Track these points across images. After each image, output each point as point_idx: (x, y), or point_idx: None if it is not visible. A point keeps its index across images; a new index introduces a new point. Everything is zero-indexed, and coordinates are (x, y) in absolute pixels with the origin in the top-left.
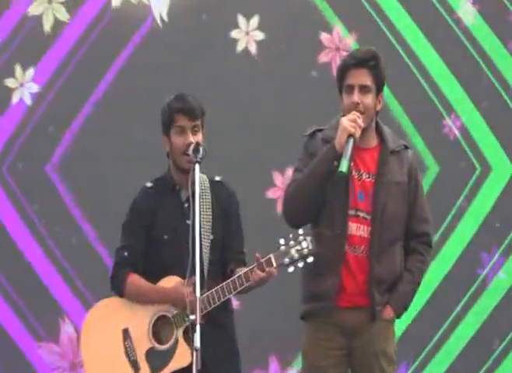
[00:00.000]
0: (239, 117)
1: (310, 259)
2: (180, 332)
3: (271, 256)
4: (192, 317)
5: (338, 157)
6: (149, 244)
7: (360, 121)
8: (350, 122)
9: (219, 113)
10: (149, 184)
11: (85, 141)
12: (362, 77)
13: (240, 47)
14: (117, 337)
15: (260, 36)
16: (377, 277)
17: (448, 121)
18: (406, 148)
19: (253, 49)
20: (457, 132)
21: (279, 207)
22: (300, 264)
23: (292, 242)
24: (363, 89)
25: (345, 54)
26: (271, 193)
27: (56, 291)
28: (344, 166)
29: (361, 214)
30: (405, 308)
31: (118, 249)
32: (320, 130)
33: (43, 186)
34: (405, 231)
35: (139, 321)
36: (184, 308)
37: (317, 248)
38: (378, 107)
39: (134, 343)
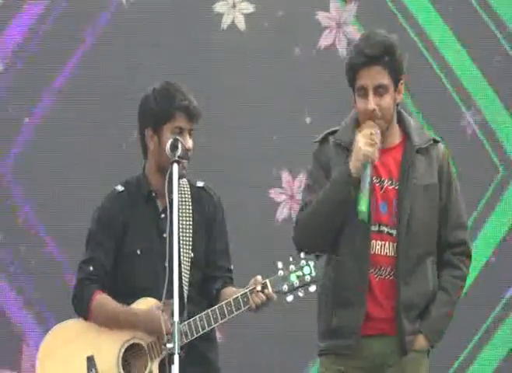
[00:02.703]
0: (225, 102)
1: (313, 288)
2: (155, 365)
3: (267, 281)
4: (170, 346)
5: (354, 184)
6: (118, 259)
7: (378, 138)
8: (367, 144)
9: (203, 97)
10: (119, 188)
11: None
12: (377, 76)
13: (225, 22)
14: (79, 366)
15: (249, 8)
16: (406, 302)
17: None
18: (436, 142)
19: (241, 24)
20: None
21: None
22: (301, 293)
23: (292, 267)
24: (379, 90)
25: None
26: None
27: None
28: (362, 204)
29: (385, 230)
30: (441, 335)
31: (82, 262)
32: (332, 134)
33: None
34: (437, 242)
35: (107, 348)
36: (159, 336)
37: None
38: (398, 100)
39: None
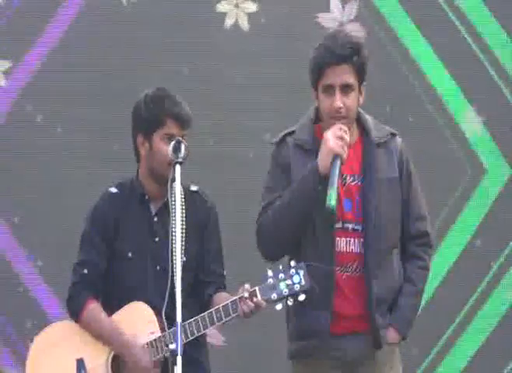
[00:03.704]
0: (228, 103)
1: (302, 297)
2: None
3: (256, 288)
4: (172, 346)
5: (322, 182)
6: (110, 260)
7: (347, 137)
8: (337, 139)
9: (205, 99)
10: (113, 190)
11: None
12: (344, 75)
13: (228, 22)
14: (69, 367)
15: (252, 7)
16: (376, 296)
17: None
18: (393, 135)
19: (244, 24)
20: None
21: None
22: (290, 302)
23: (281, 275)
24: (345, 89)
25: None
26: None
27: None
28: (332, 198)
29: (350, 226)
30: (410, 325)
31: (76, 264)
32: (290, 134)
33: None
34: (401, 234)
35: (97, 351)
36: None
37: (311, 283)
38: (361, 102)
39: None
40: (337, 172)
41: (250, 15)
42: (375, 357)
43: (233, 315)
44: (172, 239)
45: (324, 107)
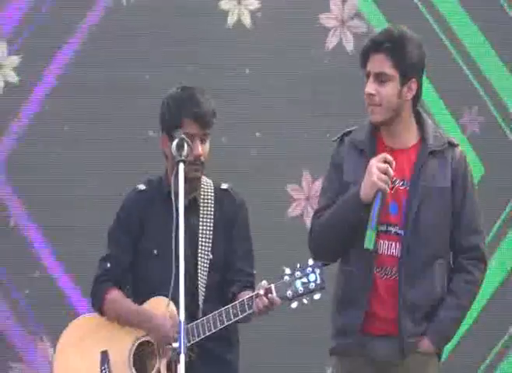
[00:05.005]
0: (231, 104)
1: (317, 296)
2: (163, 363)
3: (272, 286)
4: (175, 345)
5: (364, 207)
6: (135, 256)
7: (392, 170)
8: (380, 172)
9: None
10: (141, 187)
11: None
12: (379, 63)
13: (231, 20)
14: (94, 359)
15: (254, 4)
16: (410, 302)
17: None
18: (452, 145)
19: (246, 21)
20: None
21: None
22: (305, 300)
23: (298, 273)
24: (380, 78)
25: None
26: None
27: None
28: (369, 241)
29: (393, 230)
30: (448, 339)
31: (101, 259)
32: (348, 134)
33: None
34: (451, 246)
35: (120, 344)
36: (159, 340)
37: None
38: (408, 96)
39: (112, 367)
40: (377, 207)
41: (252, 12)
42: (406, 364)
43: (249, 311)
44: (198, 238)
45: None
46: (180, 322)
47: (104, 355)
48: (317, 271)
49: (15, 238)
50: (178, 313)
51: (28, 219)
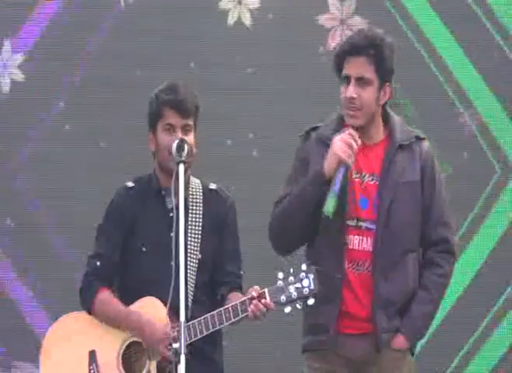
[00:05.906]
0: (231, 103)
1: (311, 301)
2: (153, 365)
3: (266, 290)
4: (176, 345)
5: (327, 184)
6: (125, 252)
7: (356, 145)
8: (344, 146)
9: (209, 98)
10: (130, 184)
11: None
12: (360, 67)
13: (231, 19)
14: (81, 359)
15: (254, 3)
16: (384, 298)
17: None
18: (419, 139)
19: (247, 20)
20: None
21: None
22: (299, 305)
23: (291, 278)
24: (361, 82)
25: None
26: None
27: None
28: (329, 205)
29: (363, 225)
30: (421, 334)
31: (90, 256)
32: (315, 129)
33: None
34: (421, 240)
35: (109, 344)
36: (148, 342)
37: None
38: (383, 100)
39: (100, 368)
40: (340, 178)
41: (252, 11)
42: (381, 361)
43: (242, 315)
44: (187, 236)
45: (342, 98)
46: (180, 322)
47: (92, 355)
48: (311, 276)
49: None
50: (167, 314)
51: None
